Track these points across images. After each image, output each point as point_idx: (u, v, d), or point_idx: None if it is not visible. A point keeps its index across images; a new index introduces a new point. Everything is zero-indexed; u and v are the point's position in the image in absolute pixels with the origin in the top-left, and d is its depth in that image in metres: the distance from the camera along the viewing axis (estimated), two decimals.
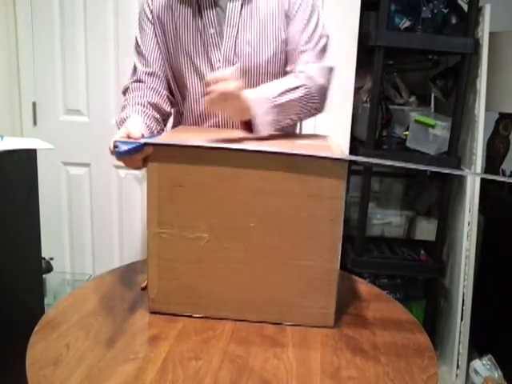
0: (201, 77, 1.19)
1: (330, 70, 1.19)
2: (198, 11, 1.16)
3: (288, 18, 1.16)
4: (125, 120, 1.08)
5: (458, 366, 2.03)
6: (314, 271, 0.92)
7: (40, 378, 0.76)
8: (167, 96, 1.23)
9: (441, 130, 1.93)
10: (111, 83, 2.13)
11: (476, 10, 1.86)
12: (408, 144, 1.99)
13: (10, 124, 2.11)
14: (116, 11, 2.06)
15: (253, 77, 1.18)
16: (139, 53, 1.22)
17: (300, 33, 1.16)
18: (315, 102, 1.16)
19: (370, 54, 1.90)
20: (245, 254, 0.92)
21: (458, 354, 2.02)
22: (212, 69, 1.17)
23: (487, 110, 1.94)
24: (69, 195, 2.23)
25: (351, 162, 2.09)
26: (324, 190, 0.88)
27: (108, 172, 2.19)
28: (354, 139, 2.05)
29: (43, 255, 1.62)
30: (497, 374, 1.89)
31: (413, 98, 2.18)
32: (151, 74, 1.21)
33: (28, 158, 1.45)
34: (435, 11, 1.87)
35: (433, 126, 1.93)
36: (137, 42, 1.23)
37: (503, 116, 2.15)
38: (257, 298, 0.94)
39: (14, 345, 1.31)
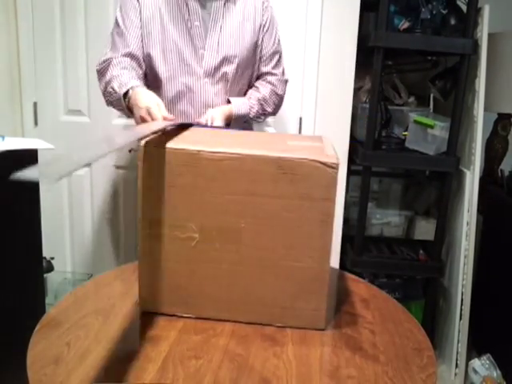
0: (184, 61, 1.40)
1: (286, 82, 1.59)
2: (185, 4, 1.39)
3: (261, 29, 1.47)
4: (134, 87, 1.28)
5: (456, 365, 2.04)
6: (305, 273, 0.91)
7: (41, 377, 0.76)
8: (143, 77, 1.42)
9: (440, 130, 1.94)
10: None
11: (475, 10, 1.86)
12: (407, 144, 1.99)
13: (11, 124, 2.12)
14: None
15: (235, 62, 1.43)
16: (120, 34, 1.40)
17: (268, 49, 1.50)
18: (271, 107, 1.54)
19: (370, 55, 1.90)
20: (236, 255, 0.92)
21: (457, 353, 2.03)
22: (196, 54, 1.40)
23: (486, 110, 1.95)
24: (70, 195, 2.24)
25: (350, 162, 2.11)
26: (315, 192, 0.87)
27: (109, 172, 2.20)
28: (353, 139, 2.06)
29: (44, 255, 1.62)
30: (495, 373, 1.90)
31: (412, 99, 2.19)
32: (130, 55, 1.39)
33: (29, 158, 1.45)
34: (434, 12, 1.88)
35: (432, 127, 1.93)
36: (118, 25, 1.41)
37: (502, 116, 2.15)
38: (248, 299, 0.94)
39: (15, 344, 1.32)
